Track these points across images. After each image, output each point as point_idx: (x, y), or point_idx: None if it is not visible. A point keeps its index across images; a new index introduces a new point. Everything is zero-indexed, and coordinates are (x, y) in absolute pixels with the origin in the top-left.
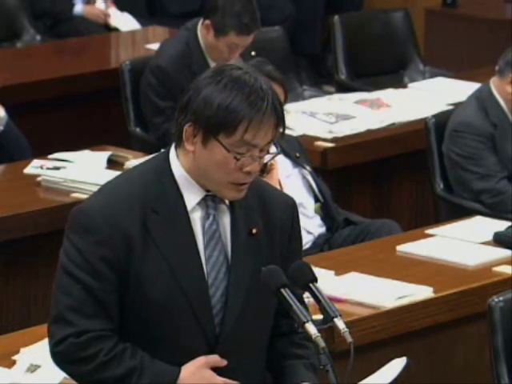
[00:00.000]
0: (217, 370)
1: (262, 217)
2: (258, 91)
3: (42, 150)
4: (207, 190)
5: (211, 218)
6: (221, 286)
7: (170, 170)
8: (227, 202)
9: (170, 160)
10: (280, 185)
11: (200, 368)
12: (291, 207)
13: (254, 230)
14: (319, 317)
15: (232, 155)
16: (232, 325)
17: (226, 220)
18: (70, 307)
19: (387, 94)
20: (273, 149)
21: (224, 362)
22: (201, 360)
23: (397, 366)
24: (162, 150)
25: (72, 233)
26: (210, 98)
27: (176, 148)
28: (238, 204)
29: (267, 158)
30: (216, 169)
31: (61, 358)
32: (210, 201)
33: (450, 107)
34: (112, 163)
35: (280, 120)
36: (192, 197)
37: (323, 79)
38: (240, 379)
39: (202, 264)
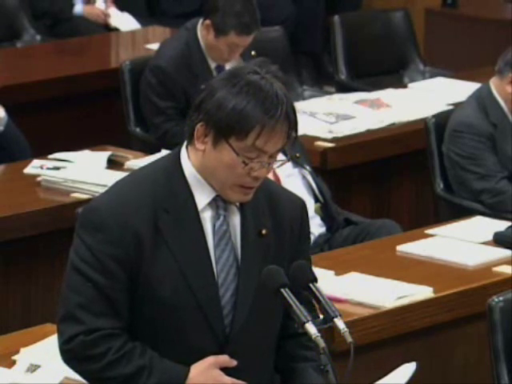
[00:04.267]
0: (225, 370)
1: (271, 217)
2: (273, 97)
3: (42, 150)
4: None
5: (221, 219)
6: (231, 286)
7: (181, 170)
8: (237, 202)
9: (181, 159)
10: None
11: (209, 367)
12: (300, 207)
13: (264, 231)
14: (320, 317)
15: (241, 159)
16: (242, 325)
17: (235, 220)
18: (80, 305)
19: (387, 94)
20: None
21: (233, 362)
22: (210, 360)
23: (407, 370)
24: (163, 150)
25: (82, 231)
26: (224, 101)
27: (187, 147)
28: (248, 205)
29: (276, 164)
30: (224, 171)
31: (70, 355)
32: (221, 201)
33: (450, 107)
34: (112, 163)
35: (292, 127)
36: (202, 197)
37: (323, 79)
38: (248, 379)
39: (211, 264)
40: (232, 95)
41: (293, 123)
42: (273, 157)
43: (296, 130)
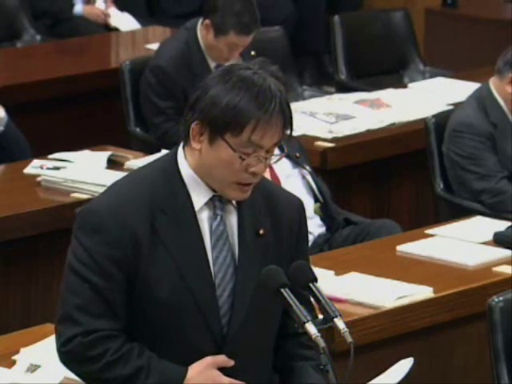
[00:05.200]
0: (223, 370)
1: (269, 217)
2: (267, 92)
3: (42, 150)
4: (214, 190)
5: (218, 219)
6: (228, 286)
7: (178, 170)
8: (234, 202)
9: (178, 160)
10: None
11: (207, 368)
12: (299, 208)
13: (261, 231)
14: (319, 317)
15: (238, 155)
16: (239, 325)
17: (233, 220)
18: (78, 307)
19: (387, 94)
20: (277, 150)
21: (231, 362)
22: (208, 360)
23: (403, 366)
24: (163, 150)
25: (80, 232)
26: (217, 97)
27: (184, 147)
28: (246, 204)
29: (273, 159)
30: (221, 168)
31: (68, 357)
32: (218, 201)
33: (450, 107)
34: (112, 163)
35: (287, 121)
36: (200, 197)
37: (323, 79)
38: (247, 379)
39: (209, 264)
40: (225, 92)
41: (287, 117)
42: (269, 152)
43: (291, 124)
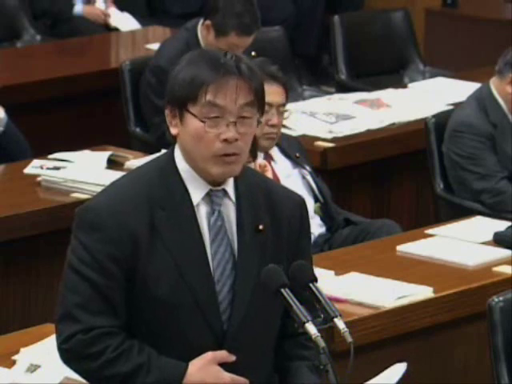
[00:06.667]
0: (224, 366)
1: (269, 214)
2: (220, 58)
3: (42, 150)
4: (211, 184)
5: (216, 214)
6: (227, 282)
7: (175, 167)
8: (233, 197)
9: (175, 156)
10: None
11: (207, 363)
12: (300, 205)
13: (261, 227)
14: (319, 317)
15: (205, 124)
16: (239, 321)
17: (232, 216)
18: (78, 304)
19: (387, 94)
20: (260, 159)
21: (232, 358)
22: (208, 355)
23: (397, 371)
24: (163, 150)
25: (79, 231)
26: (176, 75)
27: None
28: (245, 200)
29: (244, 127)
30: (195, 144)
31: (68, 355)
32: (215, 196)
33: (450, 107)
34: (112, 163)
35: (247, 81)
36: (197, 192)
37: (323, 79)
38: (247, 375)
39: (208, 260)
40: (184, 68)
41: (246, 75)
42: (239, 115)
43: (262, 88)
